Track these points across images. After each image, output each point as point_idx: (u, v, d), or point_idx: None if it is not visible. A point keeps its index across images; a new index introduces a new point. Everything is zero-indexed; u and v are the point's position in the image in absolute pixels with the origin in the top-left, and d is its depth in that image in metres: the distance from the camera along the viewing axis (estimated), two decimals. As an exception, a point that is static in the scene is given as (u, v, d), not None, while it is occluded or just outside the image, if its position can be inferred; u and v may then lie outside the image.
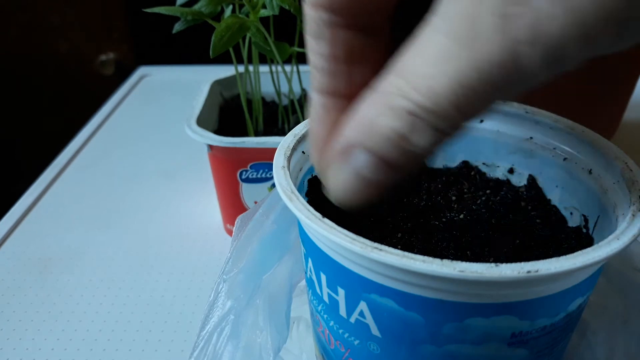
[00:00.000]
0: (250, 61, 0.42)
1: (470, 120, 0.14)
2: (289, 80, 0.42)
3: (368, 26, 0.17)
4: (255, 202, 0.40)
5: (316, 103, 0.18)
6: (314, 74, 0.18)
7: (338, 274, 0.20)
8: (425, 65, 0.14)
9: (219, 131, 0.42)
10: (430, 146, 0.15)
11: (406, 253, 0.17)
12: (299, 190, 0.22)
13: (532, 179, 0.26)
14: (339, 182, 0.17)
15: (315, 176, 0.25)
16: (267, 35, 0.37)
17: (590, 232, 0.23)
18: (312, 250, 0.21)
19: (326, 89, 0.18)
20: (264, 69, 0.44)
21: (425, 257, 0.16)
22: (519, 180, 0.27)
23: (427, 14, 0.14)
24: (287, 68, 0.43)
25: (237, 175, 0.39)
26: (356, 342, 0.21)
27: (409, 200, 0.26)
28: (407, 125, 0.14)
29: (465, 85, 0.13)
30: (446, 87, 0.13)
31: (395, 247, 0.17)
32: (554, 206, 0.25)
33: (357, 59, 0.17)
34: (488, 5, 0.12)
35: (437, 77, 0.13)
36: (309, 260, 0.22)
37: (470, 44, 0.13)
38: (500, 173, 0.27)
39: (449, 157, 0.28)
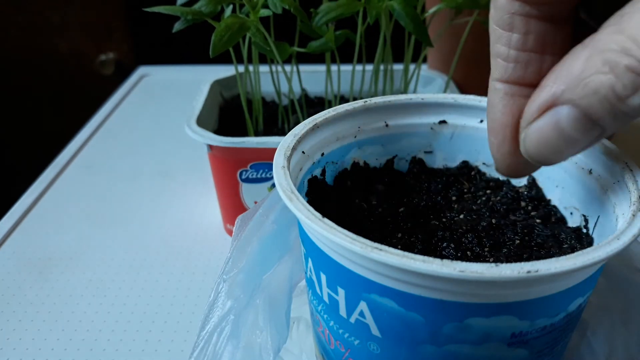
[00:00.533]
0: (250, 61, 0.42)
1: None
2: (289, 80, 0.42)
3: (556, 17, 0.17)
4: (255, 202, 0.40)
5: (501, 92, 0.18)
6: (499, 64, 0.18)
7: (338, 274, 0.20)
8: None
9: (219, 131, 0.42)
10: None
11: (406, 253, 0.17)
12: (299, 190, 0.22)
13: (532, 179, 0.26)
14: (537, 136, 0.17)
15: (316, 176, 0.25)
16: (267, 35, 0.37)
17: (590, 232, 0.23)
18: (312, 250, 0.21)
19: (515, 78, 0.18)
20: (264, 69, 0.44)
21: (425, 257, 0.16)
22: (519, 180, 0.27)
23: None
24: (287, 68, 0.43)
25: (237, 175, 0.39)
26: (356, 342, 0.21)
27: (409, 200, 0.26)
28: (624, 82, 0.14)
29: None
30: None
31: (395, 247, 0.17)
32: (554, 206, 0.25)
33: (546, 49, 0.18)
34: None
35: None
36: (309, 260, 0.22)
37: None
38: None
39: (449, 157, 0.28)
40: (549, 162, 0.17)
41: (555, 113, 0.16)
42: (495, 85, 0.19)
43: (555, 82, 0.16)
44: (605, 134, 0.16)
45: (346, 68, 0.45)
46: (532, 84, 0.18)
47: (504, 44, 0.18)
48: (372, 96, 0.28)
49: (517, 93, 0.18)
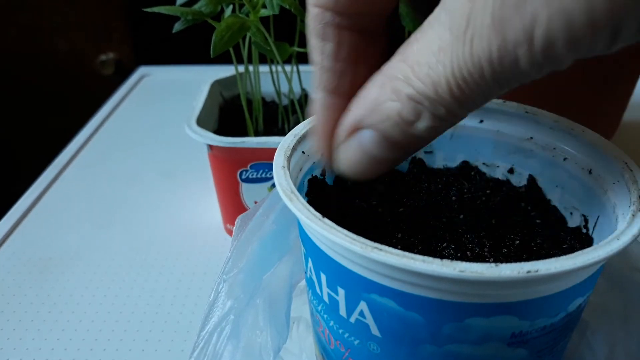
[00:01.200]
0: (250, 61, 0.42)
1: (470, 111, 0.15)
2: (289, 80, 0.42)
3: (369, 29, 0.18)
4: (255, 202, 0.40)
5: (320, 101, 0.19)
6: (318, 73, 0.19)
7: (338, 274, 0.20)
8: (427, 54, 0.14)
9: (219, 131, 0.42)
10: (430, 131, 0.16)
11: (406, 253, 0.17)
12: (299, 190, 0.22)
13: (532, 179, 0.26)
14: (346, 157, 0.18)
15: (316, 176, 0.25)
16: (267, 35, 0.37)
17: (590, 232, 0.23)
18: (312, 250, 0.21)
19: (331, 87, 0.18)
20: (264, 69, 0.44)
21: (425, 257, 0.16)
22: (519, 180, 0.27)
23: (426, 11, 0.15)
24: (287, 68, 0.43)
25: (237, 175, 0.39)
26: (356, 342, 0.21)
27: (408, 200, 0.26)
28: (408, 110, 0.15)
29: (460, 77, 0.14)
30: (442, 76, 0.14)
31: (395, 247, 0.17)
32: (554, 206, 0.25)
33: (360, 60, 0.18)
34: (486, 5, 0.13)
35: (435, 67, 0.14)
36: (309, 260, 0.22)
37: (466, 39, 0.13)
38: (500, 173, 0.27)
39: (449, 157, 0.28)
40: (360, 179, 0.19)
41: (359, 136, 0.17)
42: (316, 93, 0.19)
43: (358, 107, 0.17)
44: (409, 153, 0.17)
45: (346, 68, 0.44)
46: (347, 94, 0.18)
47: (318, 54, 0.18)
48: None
49: (334, 103, 0.19)
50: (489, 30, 0.13)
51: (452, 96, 0.14)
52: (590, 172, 0.23)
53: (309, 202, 0.23)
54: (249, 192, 0.40)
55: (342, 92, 0.18)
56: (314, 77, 0.19)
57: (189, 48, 0.74)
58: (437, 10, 0.14)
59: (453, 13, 0.14)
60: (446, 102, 0.14)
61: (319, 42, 0.18)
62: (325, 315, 0.22)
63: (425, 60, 0.14)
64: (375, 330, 0.20)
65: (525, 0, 0.12)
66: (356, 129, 0.17)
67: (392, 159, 0.18)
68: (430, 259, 0.16)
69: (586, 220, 0.23)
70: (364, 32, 0.18)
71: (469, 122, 0.27)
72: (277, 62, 0.40)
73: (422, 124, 0.15)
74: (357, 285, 0.19)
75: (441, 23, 0.14)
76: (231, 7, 0.38)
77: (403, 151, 0.17)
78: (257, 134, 0.43)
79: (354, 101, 0.18)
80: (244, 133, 0.42)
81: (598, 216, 0.22)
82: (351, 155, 0.18)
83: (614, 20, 0.11)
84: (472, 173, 0.28)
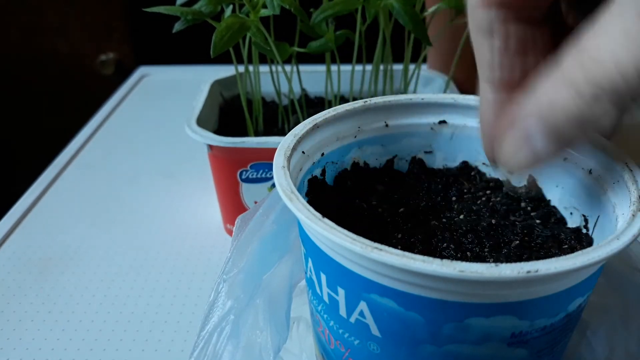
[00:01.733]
0: (250, 61, 0.42)
1: None
2: (289, 80, 0.42)
3: (534, 18, 0.18)
4: (255, 202, 0.40)
5: (489, 96, 0.19)
6: (487, 70, 0.19)
7: (338, 274, 0.20)
8: (612, 43, 0.14)
9: (219, 131, 0.42)
10: (611, 123, 0.15)
11: (406, 253, 0.17)
12: (299, 190, 0.22)
13: (532, 179, 0.26)
14: (509, 149, 0.18)
15: (316, 176, 0.25)
16: (267, 35, 0.37)
17: (590, 232, 0.23)
18: (312, 250, 0.21)
19: (500, 81, 0.19)
20: (264, 69, 0.44)
21: (425, 257, 0.16)
22: (519, 180, 0.27)
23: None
24: (287, 68, 0.43)
25: (237, 175, 0.39)
26: (356, 342, 0.21)
27: (408, 200, 0.26)
28: (589, 102, 0.15)
29: None
30: (631, 65, 0.14)
31: (395, 247, 0.17)
32: (554, 206, 0.25)
33: (528, 50, 0.18)
34: None
35: (624, 55, 0.14)
36: (309, 260, 0.22)
37: None
38: (500, 173, 0.27)
39: (449, 157, 0.28)
40: (520, 172, 0.19)
41: (527, 128, 0.17)
42: (484, 89, 0.19)
43: (530, 103, 0.17)
44: (574, 145, 0.18)
45: (346, 68, 0.45)
46: (517, 86, 0.18)
47: (487, 50, 0.18)
48: (372, 96, 0.28)
49: (505, 98, 0.19)
50: None
51: None
52: (590, 172, 0.23)
53: (309, 202, 0.23)
54: (249, 192, 0.40)
55: (511, 85, 0.18)
56: (480, 73, 0.19)
57: (189, 48, 0.74)
58: (614, 6, 0.14)
59: (637, 5, 0.13)
60: (635, 92, 0.14)
61: (486, 39, 0.18)
62: (325, 315, 0.22)
63: (609, 51, 0.14)
64: (375, 330, 0.20)
65: None
66: (524, 120, 0.17)
67: (557, 153, 0.17)
68: (430, 259, 0.16)
69: (586, 220, 0.23)
70: (530, 22, 0.18)
71: (469, 122, 0.27)
72: (277, 62, 0.40)
73: (605, 120, 0.15)
74: (357, 285, 0.19)
75: (626, 10, 0.14)
76: (231, 7, 0.38)
77: (571, 145, 0.17)
78: (257, 134, 0.43)
79: (525, 96, 0.17)
80: (244, 133, 0.42)
81: (598, 216, 0.22)
82: (515, 147, 0.18)
83: None
84: (472, 173, 0.28)
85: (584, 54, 0.15)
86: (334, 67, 0.43)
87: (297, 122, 0.25)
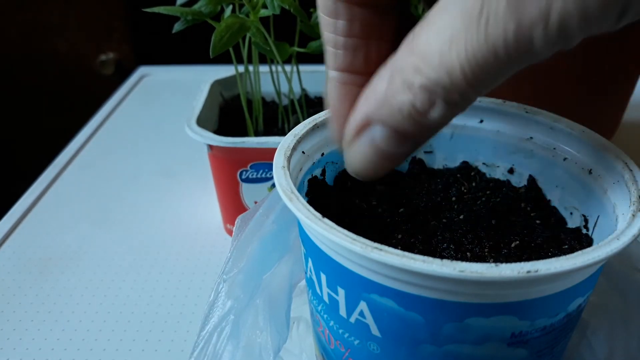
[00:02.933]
0: (250, 61, 0.42)
1: (481, 94, 0.15)
2: (289, 80, 0.42)
3: (380, 4, 0.18)
4: (255, 202, 0.40)
5: (334, 81, 0.19)
6: (330, 52, 0.19)
7: (338, 274, 0.20)
8: (438, 43, 0.14)
9: (219, 131, 0.42)
10: (444, 118, 0.16)
11: (406, 253, 0.17)
12: (299, 190, 0.22)
13: (532, 179, 0.26)
14: (357, 155, 0.18)
15: (316, 176, 0.25)
16: (267, 35, 0.37)
17: (590, 232, 0.23)
18: (312, 250, 0.21)
19: (344, 65, 0.19)
20: (264, 69, 0.44)
21: (426, 257, 0.16)
22: (519, 180, 0.27)
23: None
24: (287, 68, 0.43)
25: (237, 175, 0.39)
26: (356, 342, 0.21)
27: (408, 200, 0.26)
28: (422, 100, 0.15)
29: (474, 63, 0.14)
30: (456, 64, 0.14)
31: (395, 247, 0.17)
32: (554, 207, 0.25)
33: (373, 35, 0.18)
34: None
35: (448, 54, 0.14)
36: (309, 260, 0.22)
37: (480, 24, 0.13)
38: (500, 173, 0.27)
39: (449, 157, 0.28)
40: (372, 177, 0.19)
41: (370, 133, 0.17)
42: (329, 73, 0.19)
43: (366, 103, 0.17)
44: (420, 144, 0.17)
45: (346, 68, 0.44)
46: (361, 72, 0.18)
47: (331, 31, 0.18)
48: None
49: (349, 81, 0.19)
50: (504, 14, 0.13)
51: (466, 82, 0.14)
52: (590, 172, 0.23)
53: (309, 202, 0.23)
54: (249, 192, 0.40)
55: (356, 70, 0.19)
56: (326, 57, 0.19)
57: (189, 48, 0.74)
58: (443, 0, 0.15)
59: (463, 1, 0.14)
60: (461, 88, 0.15)
61: (331, 20, 0.18)
62: (325, 315, 0.22)
63: (436, 49, 0.14)
64: (375, 330, 0.20)
65: None
66: (366, 125, 0.17)
67: (403, 153, 0.18)
68: (430, 259, 0.16)
69: (586, 221, 0.23)
70: (376, 8, 0.18)
71: (469, 122, 0.27)
72: (277, 62, 0.40)
73: (436, 113, 0.15)
74: (357, 285, 0.19)
75: (450, 12, 0.14)
76: (231, 7, 0.38)
77: (415, 143, 0.17)
78: (257, 134, 0.43)
79: (360, 97, 0.18)
80: (244, 133, 0.42)
81: (598, 216, 0.22)
82: (362, 153, 0.18)
83: (622, 1, 0.12)
84: (472, 173, 0.28)
85: (415, 48, 0.15)
86: (334, 67, 0.43)
87: (297, 122, 0.25)
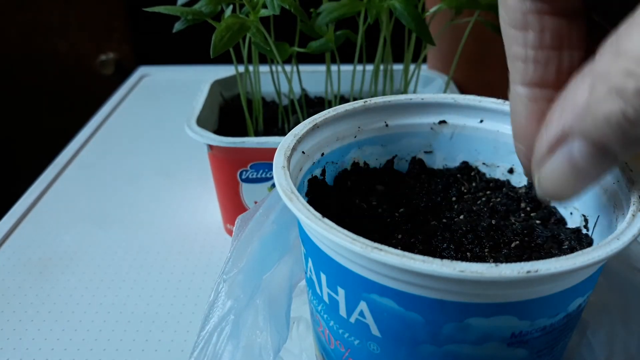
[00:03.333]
0: (250, 61, 0.42)
1: None
2: (289, 80, 0.42)
3: (569, 10, 0.17)
4: (255, 202, 0.40)
5: (522, 96, 0.18)
6: (518, 67, 0.17)
7: (338, 274, 0.20)
8: None
9: (219, 131, 0.42)
10: None
11: (406, 253, 0.17)
12: (299, 190, 0.22)
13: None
14: (551, 174, 0.16)
15: (316, 176, 0.25)
16: (267, 35, 0.37)
17: (590, 232, 0.23)
18: (312, 250, 0.21)
19: (534, 79, 0.17)
20: (264, 69, 0.44)
21: (426, 257, 0.16)
22: (519, 180, 0.27)
23: None
24: (287, 68, 0.43)
25: (237, 175, 0.39)
26: (356, 342, 0.21)
27: (408, 200, 0.26)
28: (636, 106, 0.13)
29: None
30: None
31: (395, 247, 0.17)
32: (554, 207, 0.25)
33: (564, 45, 0.17)
34: None
35: None
36: (309, 260, 0.22)
37: None
38: (500, 173, 0.27)
39: (449, 157, 0.28)
40: (566, 199, 0.17)
41: (568, 149, 0.15)
42: (517, 89, 0.18)
43: (562, 116, 0.15)
44: (617, 162, 0.16)
45: (346, 68, 0.44)
46: (553, 85, 0.17)
47: (520, 45, 0.17)
48: (372, 96, 0.28)
49: (540, 96, 0.18)
50: None
51: None
52: (590, 172, 0.23)
53: (309, 202, 0.23)
54: (249, 192, 0.40)
55: (547, 84, 0.17)
56: (512, 72, 0.18)
57: (189, 48, 0.74)
58: None
59: None
60: None
61: (520, 33, 0.17)
62: (325, 315, 0.22)
63: None
64: (375, 330, 0.20)
65: None
66: (562, 140, 0.16)
67: (602, 171, 0.16)
68: (430, 259, 0.16)
69: (586, 221, 0.23)
70: (565, 14, 0.17)
71: (469, 122, 0.27)
72: (277, 62, 0.40)
73: None
74: (357, 285, 0.19)
75: None
76: (231, 7, 0.38)
77: (615, 160, 0.15)
78: (257, 134, 0.43)
79: (554, 109, 0.16)
80: (244, 133, 0.42)
81: (598, 216, 0.22)
82: (558, 171, 0.16)
83: None
84: (472, 173, 0.28)
85: (624, 51, 0.13)
86: (334, 67, 0.43)
87: (297, 122, 0.25)
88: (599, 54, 0.14)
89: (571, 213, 0.24)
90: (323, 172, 0.26)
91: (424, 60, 0.49)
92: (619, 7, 0.14)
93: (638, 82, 0.13)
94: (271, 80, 0.43)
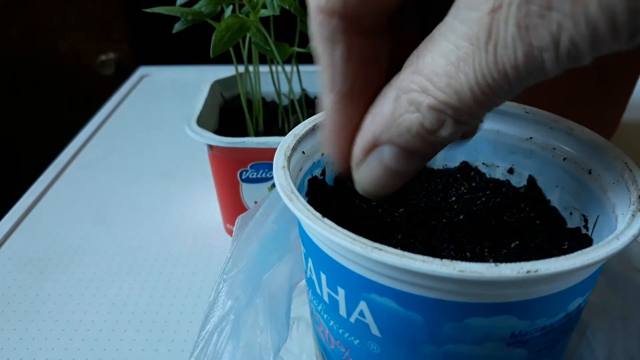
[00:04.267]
0: (250, 61, 0.42)
1: (490, 111, 0.16)
2: (289, 80, 0.42)
3: (376, 28, 0.18)
4: (255, 202, 0.40)
5: (332, 104, 0.19)
6: (328, 77, 0.18)
7: (338, 273, 0.20)
8: (444, 64, 0.15)
9: (219, 131, 0.42)
10: (453, 135, 0.16)
11: (406, 253, 0.17)
12: (299, 190, 0.22)
13: (531, 179, 0.26)
14: (366, 175, 0.19)
15: (316, 176, 0.25)
16: (267, 36, 0.37)
17: (590, 232, 0.23)
18: (312, 250, 0.21)
19: (343, 90, 0.18)
20: (264, 69, 0.44)
21: (425, 257, 0.16)
22: (519, 180, 0.27)
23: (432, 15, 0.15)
24: (287, 68, 0.43)
25: (237, 175, 0.39)
26: (356, 342, 0.21)
27: (408, 200, 0.26)
28: (431, 120, 0.16)
29: (484, 84, 0.14)
30: (465, 85, 0.14)
31: (395, 247, 0.17)
32: (554, 207, 0.25)
33: (371, 60, 0.18)
34: (509, 16, 0.13)
35: (456, 76, 0.15)
36: (309, 260, 0.22)
37: (489, 47, 0.14)
38: (499, 173, 0.27)
39: (449, 157, 0.28)
40: (383, 195, 0.19)
41: (379, 153, 0.18)
42: (328, 97, 0.19)
43: (373, 124, 0.17)
44: (429, 159, 0.18)
45: (346, 68, 0.44)
46: (361, 95, 0.18)
47: (328, 59, 0.18)
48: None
49: (349, 105, 0.19)
50: (514, 39, 0.13)
51: (475, 102, 0.15)
52: (590, 172, 0.23)
53: (309, 202, 0.23)
54: (249, 192, 0.40)
55: (355, 94, 0.18)
56: (323, 82, 0.19)
57: (189, 48, 0.74)
58: (449, 21, 0.15)
59: (470, 24, 0.14)
60: (470, 108, 0.15)
61: (328, 49, 0.18)
62: (325, 315, 0.22)
63: (443, 71, 0.15)
64: (375, 330, 0.20)
65: (550, 10, 0.13)
66: (374, 146, 0.18)
67: (412, 169, 0.18)
68: (430, 259, 0.16)
69: (586, 221, 0.23)
70: (372, 32, 0.18)
71: (469, 122, 0.27)
72: (277, 62, 0.40)
73: (446, 131, 0.16)
74: (357, 285, 0.19)
75: (457, 34, 0.14)
76: (231, 7, 0.38)
77: (424, 159, 0.18)
78: (257, 134, 0.43)
79: (366, 118, 0.18)
80: (244, 133, 0.42)
81: (598, 216, 0.22)
82: (372, 173, 0.18)
83: (633, 23, 0.12)
84: (472, 173, 0.28)
85: (421, 69, 0.15)
86: (334, 67, 0.43)
87: (297, 122, 0.25)
88: (402, 69, 0.16)
89: (571, 213, 0.24)
90: (323, 172, 0.26)
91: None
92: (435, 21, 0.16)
93: (431, 99, 0.15)
94: (271, 80, 0.43)
